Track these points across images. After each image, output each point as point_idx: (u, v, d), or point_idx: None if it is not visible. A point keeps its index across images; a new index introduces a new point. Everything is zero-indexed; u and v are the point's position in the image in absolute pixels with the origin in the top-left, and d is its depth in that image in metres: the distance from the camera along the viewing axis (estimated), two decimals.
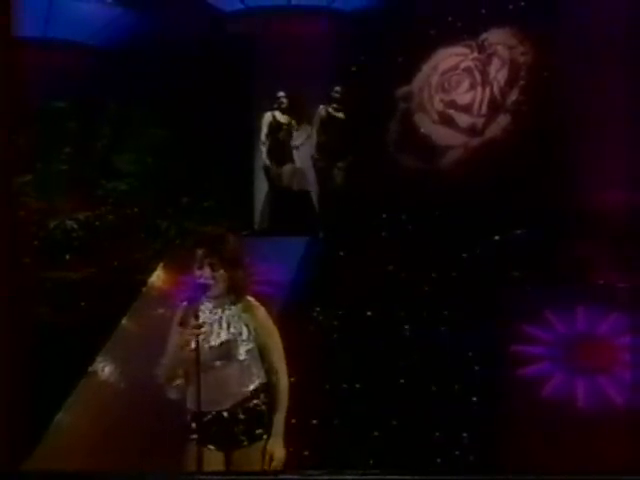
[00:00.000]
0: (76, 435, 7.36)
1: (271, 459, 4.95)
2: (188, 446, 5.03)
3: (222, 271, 5.04)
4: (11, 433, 4.99)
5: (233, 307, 5.09)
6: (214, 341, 5.02)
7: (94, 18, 13.05)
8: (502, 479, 4.23)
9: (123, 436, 7.23)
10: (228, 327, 5.07)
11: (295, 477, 4.71)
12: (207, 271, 5.02)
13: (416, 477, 4.25)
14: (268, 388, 5.06)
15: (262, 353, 5.04)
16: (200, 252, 5.04)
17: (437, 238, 9.52)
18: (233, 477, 4.94)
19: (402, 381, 8.74)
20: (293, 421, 5.12)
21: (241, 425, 5.02)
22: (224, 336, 5.03)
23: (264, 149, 12.03)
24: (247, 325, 5.03)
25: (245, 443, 5.05)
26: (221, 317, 5.06)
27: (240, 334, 5.03)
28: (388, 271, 9.29)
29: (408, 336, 9.04)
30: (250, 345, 5.01)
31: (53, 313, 8.75)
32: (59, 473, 4.63)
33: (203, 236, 5.19)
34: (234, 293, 5.08)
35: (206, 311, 5.06)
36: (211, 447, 4.98)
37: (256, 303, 5.11)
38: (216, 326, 5.05)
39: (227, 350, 4.99)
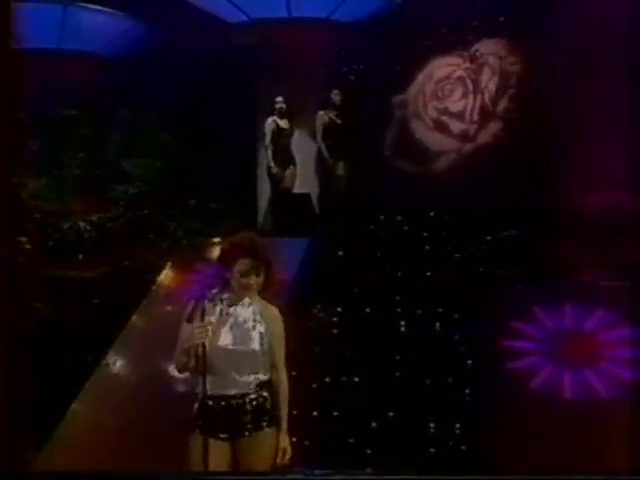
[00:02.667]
0: (87, 428, 7.36)
1: (284, 454, 5.02)
2: (195, 435, 5.08)
3: (262, 277, 5.13)
4: (20, 432, 4.98)
5: (255, 305, 5.17)
6: (232, 330, 5.09)
7: (106, 30, 13.08)
8: (502, 479, 4.19)
9: (133, 427, 7.23)
10: (246, 319, 5.15)
11: (300, 477, 4.70)
12: (253, 279, 5.09)
13: (416, 477, 4.24)
14: (272, 382, 5.14)
15: (269, 350, 5.11)
16: (245, 261, 5.08)
17: (431, 238, 9.54)
18: (237, 477, 4.95)
19: (398, 375, 8.78)
20: (294, 412, 5.16)
21: (247, 415, 5.07)
22: (242, 327, 5.11)
23: (267, 153, 12.06)
24: (264, 321, 5.11)
25: (248, 433, 5.11)
26: (240, 311, 5.14)
27: (255, 327, 5.11)
28: (385, 270, 9.31)
29: (404, 332, 9.08)
30: (264, 339, 5.09)
31: (66, 310, 8.78)
32: (65, 474, 4.62)
33: (242, 244, 5.21)
34: (262, 292, 5.17)
35: (226, 304, 5.14)
36: (216, 436, 5.03)
37: (270, 304, 5.19)
38: (233, 318, 5.13)
39: (243, 340, 5.06)
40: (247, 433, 5.08)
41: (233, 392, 5.06)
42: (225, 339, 5.05)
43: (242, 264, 5.05)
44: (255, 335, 5.08)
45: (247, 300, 5.09)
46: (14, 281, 5.40)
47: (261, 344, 5.09)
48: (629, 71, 10.01)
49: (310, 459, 6.42)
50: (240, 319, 5.14)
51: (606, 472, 3.96)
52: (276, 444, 5.09)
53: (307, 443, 7.14)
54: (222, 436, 5.07)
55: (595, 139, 10.17)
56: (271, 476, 4.93)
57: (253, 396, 5.05)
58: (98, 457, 6.77)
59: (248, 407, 5.06)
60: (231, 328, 5.10)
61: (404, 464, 7.57)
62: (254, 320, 5.11)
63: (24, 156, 10.19)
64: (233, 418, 5.09)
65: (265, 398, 5.08)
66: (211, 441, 5.01)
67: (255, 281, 5.06)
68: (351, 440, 7.94)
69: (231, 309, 5.15)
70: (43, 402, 6.22)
